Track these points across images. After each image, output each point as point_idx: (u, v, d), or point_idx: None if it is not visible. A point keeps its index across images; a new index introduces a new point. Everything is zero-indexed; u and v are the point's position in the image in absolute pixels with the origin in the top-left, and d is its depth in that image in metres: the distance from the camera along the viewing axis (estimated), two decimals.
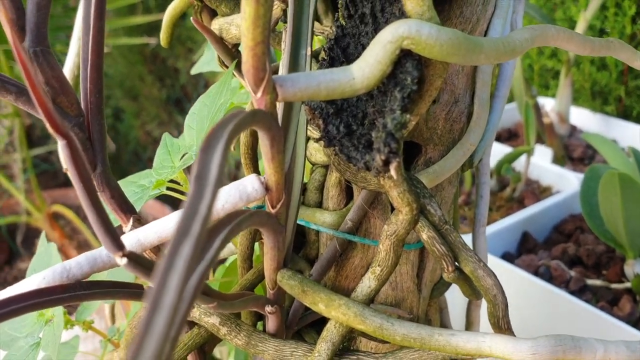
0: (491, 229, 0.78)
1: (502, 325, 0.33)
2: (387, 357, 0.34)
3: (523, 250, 0.81)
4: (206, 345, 0.40)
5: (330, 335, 0.33)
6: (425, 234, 0.32)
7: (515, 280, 0.71)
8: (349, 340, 0.40)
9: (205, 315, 0.35)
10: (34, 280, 0.29)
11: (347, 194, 0.40)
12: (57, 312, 0.38)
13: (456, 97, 0.36)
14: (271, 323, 0.35)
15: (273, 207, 0.32)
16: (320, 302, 0.33)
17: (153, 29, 2.03)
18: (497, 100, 0.42)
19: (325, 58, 0.33)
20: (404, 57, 0.27)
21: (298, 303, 0.39)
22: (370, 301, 0.33)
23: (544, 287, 0.68)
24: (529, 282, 0.69)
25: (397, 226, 0.32)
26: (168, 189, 0.39)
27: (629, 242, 0.66)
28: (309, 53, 0.31)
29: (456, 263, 0.33)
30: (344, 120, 0.31)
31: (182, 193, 0.39)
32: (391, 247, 0.32)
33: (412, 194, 0.31)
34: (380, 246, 0.33)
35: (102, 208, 0.24)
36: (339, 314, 0.32)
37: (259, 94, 0.26)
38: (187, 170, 0.39)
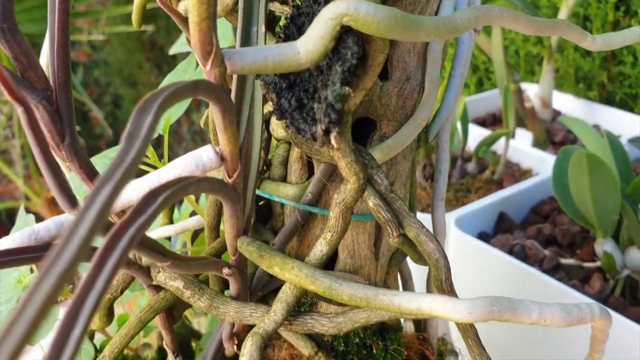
0: (468, 209, 0.80)
1: (445, 287, 0.35)
2: (338, 317, 0.36)
3: (499, 230, 0.83)
4: (175, 310, 0.42)
5: (285, 296, 0.35)
6: (372, 201, 0.34)
7: (490, 260, 0.73)
8: (310, 305, 0.42)
9: (170, 280, 0.38)
10: (5, 242, 0.32)
11: (309, 168, 0.42)
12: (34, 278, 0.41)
13: (408, 75, 0.38)
14: (233, 287, 0.38)
15: (230, 177, 0.34)
16: (276, 266, 0.35)
17: (150, 16, 2.04)
18: (454, 80, 0.44)
19: (281, 36, 0.35)
20: (345, 33, 0.29)
21: (261, 271, 0.41)
22: (322, 265, 0.35)
23: (518, 266, 0.70)
24: (503, 261, 0.71)
25: (346, 195, 0.34)
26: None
27: (598, 221, 0.68)
28: (261, 30, 0.33)
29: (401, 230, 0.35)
30: (295, 94, 0.33)
31: (150, 166, 0.41)
32: (340, 214, 0.34)
33: (359, 165, 0.33)
34: (330, 214, 0.35)
35: (58, 168, 0.26)
36: (292, 275, 0.34)
37: (208, 67, 0.28)
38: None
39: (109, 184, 0.16)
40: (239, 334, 0.42)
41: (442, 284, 0.35)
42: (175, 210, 0.62)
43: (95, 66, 2.38)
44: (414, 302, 0.33)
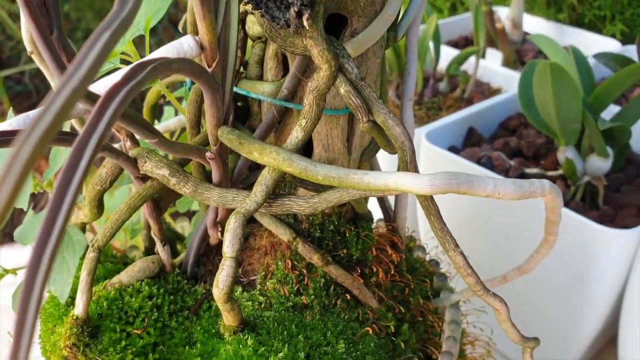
0: (438, 124, 0.84)
1: (409, 168, 0.38)
2: (313, 198, 0.39)
3: (468, 144, 0.87)
4: (161, 202, 0.45)
5: (264, 179, 0.38)
6: (343, 88, 0.37)
7: (458, 169, 0.77)
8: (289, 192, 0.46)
9: (157, 168, 0.40)
10: (1, 126, 0.34)
11: (284, 66, 0.44)
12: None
13: None
14: (215, 175, 0.41)
15: (209, 66, 0.36)
16: (255, 151, 0.38)
17: None
18: None
19: None
20: None
21: (242, 162, 0.44)
22: (298, 151, 0.38)
23: (485, 174, 0.74)
24: (471, 169, 0.75)
25: (319, 82, 0.37)
26: (122, 62, 0.43)
27: (561, 129, 0.71)
28: None
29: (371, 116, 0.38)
30: None
31: None
32: (314, 100, 0.37)
33: (331, 53, 0.36)
34: (305, 101, 0.37)
35: (51, 44, 0.28)
36: (270, 159, 0.37)
37: None
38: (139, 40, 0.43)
39: (107, 31, 0.19)
40: (222, 222, 0.45)
41: (407, 165, 0.38)
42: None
43: (66, 0, 2.33)
44: (381, 178, 0.36)
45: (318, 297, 0.45)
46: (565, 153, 0.74)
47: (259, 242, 0.48)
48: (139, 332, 0.42)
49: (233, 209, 0.43)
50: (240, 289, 0.46)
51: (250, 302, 0.45)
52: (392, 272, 0.49)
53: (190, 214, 0.64)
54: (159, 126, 0.48)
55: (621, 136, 0.72)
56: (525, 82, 0.76)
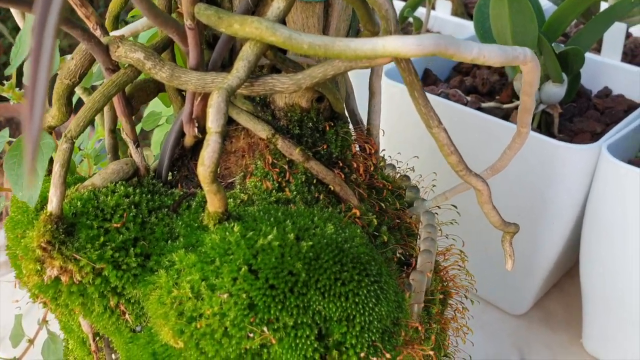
0: (392, 64, 0.84)
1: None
2: (297, 74, 0.38)
3: (425, 84, 0.88)
4: (133, 101, 0.44)
5: (246, 54, 0.37)
6: None
7: None
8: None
9: (131, 51, 0.39)
10: None
11: None
12: None
13: None
14: (192, 55, 0.39)
15: None
16: (235, 23, 0.37)
17: None
18: None
19: None
20: None
21: (217, 54, 0.43)
22: (280, 20, 0.37)
23: (445, 104, 0.75)
24: (433, 100, 0.76)
25: None
26: None
27: None
28: None
29: None
30: None
31: None
32: None
33: None
34: None
35: None
36: (252, 28, 0.36)
37: None
38: None
39: None
40: (199, 118, 0.44)
41: (390, 33, 0.38)
42: None
43: None
44: (368, 44, 0.36)
45: (300, 192, 0.44)
46: (521, 80, 0.75)
47: (235, 144, 0.46)
48: (117, 226, 0.40)
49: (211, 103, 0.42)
50: None
51: (231, 199, 0.43)
52: (371, 172, 0.49)
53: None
54: (126, 28, 0.46)
55: (575, 62, 0.74)
56: (481, 14, 0.77)
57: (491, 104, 0.82)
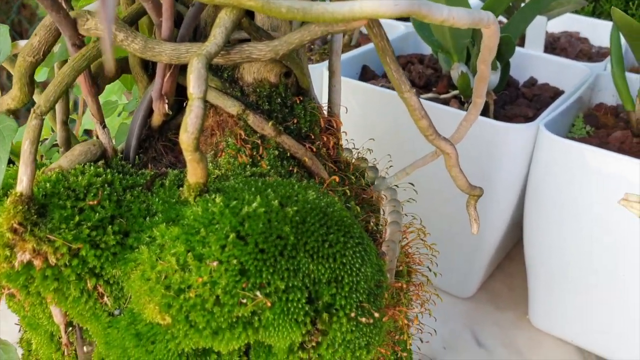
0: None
1: None
2: (274, 41, 0.39)
3: (363, 80, 0.90)
4: (99, 79, 0.42)
5: (222, 21, 0.37)
6: None
7: (362, 93, 0.80)
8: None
9: (101, 23, 0.38)
10: None
11: None
12: None
13: None
14: (165, 26, 0.39)
15: None
16: None
17: None
18: None
19: None
20: None
21: (187, 22, 0.42)
22: None
23: (388, 93, 0.77)
24: (373, 91, 0.78)
25: None
26: None
27: (454, 45, 0.76)
28: None
29: None
30: None
31: None
32: None
33: None
34: None
35: None
36: None
37: None
38: None
39: None
40: (167, 95, 0.43)
41: None
42: None
43: None
44: (346, 6, 0.36)
45: (274, 167, 0.45)
46: (458, 69, 0.79)
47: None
48: (93, 203, 0.38)
49: (178, 81, 0.41)
50: None
51: None
52: (336, 147, 0.49)
53: None
54: (93, 4, 0.45)
55: (506, 51, 0.78)
56: None
57: (429, 95, 0.85)
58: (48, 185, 0.39)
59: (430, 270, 0.56)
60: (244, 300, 0.36)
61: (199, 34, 0.45)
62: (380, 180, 0.56)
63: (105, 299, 0.39)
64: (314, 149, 0.46)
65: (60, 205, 0.38)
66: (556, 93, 0.89)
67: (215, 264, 0.36)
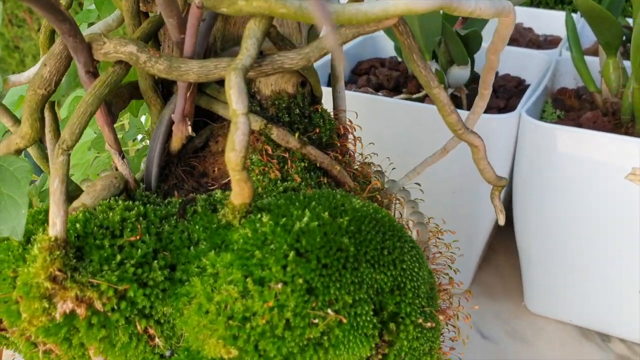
0: None
1: None
2: (304, 48, 0.37)
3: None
4: (113, 107, 0.40)
5: (252, 32, 0.35)
6: None
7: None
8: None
9: (121, 46, 0.35)
10: None
11: None
12: None
13: None
14: (188, 44, 0.36)
15: None
16: (240, 0, 0.35)
17: None
18: None
19: None
20: None
21: (202, 35, 0.40)
22: None
23: (367, 97, 0.77)
24: (352, 96, 0.77)
25: None
26: None
27: (425, 44, 0.77)
28: None
29: None
30: None
31: None
32: None
33: None
34: None
35: None
36: (261, 2, 0.34)
37: None
38: None
39: None
40: (189, 116, 0.41)
41: None
42: None
43: None
44: (378, 5, 0.36)
45: (304, 179, 0.43)
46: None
47: (222, 143, 0.44)
48: (134, 239, 0.35)
49: (195, 102, 0.39)
50: (218, 191, 0.41)
51: None
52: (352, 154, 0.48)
53: None
54: (96, 25, 0.42)
55: (474, 44, 0.80)
56: None
57: (402, 96, 0.85)
58: (78, 225, 0.36)
59: (451, 268, 0.56)
60: (315, 320, 0.34)
61: (208, 50, 0.43)
62: (390, 183, 0.55)
63: (157, 340, 0.36)
64: (340, 157, 0.45)
65: (97, 246, 0.35)
66: (519, 82, 0.91)
67: (279, 286, 0.34)
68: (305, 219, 0.36)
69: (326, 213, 0.37)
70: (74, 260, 0.34)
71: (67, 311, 0.34)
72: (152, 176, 0.41)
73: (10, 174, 0.37)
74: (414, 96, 0.85)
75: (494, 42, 0.45)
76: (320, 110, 0.46)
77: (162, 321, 0.36)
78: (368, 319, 0.36)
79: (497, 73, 0.94)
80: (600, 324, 0.78)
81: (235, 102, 0.33)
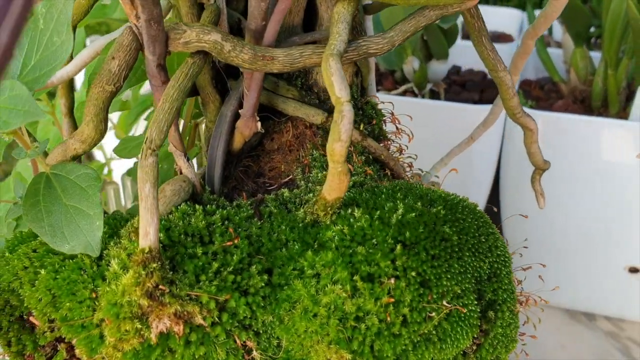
0: None
1: None
2: (388, 32, 0.36)
3: None
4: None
5: (342, 16, 0.34)
6: None
7: None
8: None
9: (204, 34, 0.32)
10: None
11: None
12: None
13: None
14: (270, 28, 0.34)
15: None
16: None
17: None
18: None
19: None
20: None
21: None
22: None
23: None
24: None
25: None
26: None
27: (408, 40, 0.77)
28: None
29: None
30: None
31: None
32: None
33: None
34: None
35: None
36: None
37: None
38: None
39: None
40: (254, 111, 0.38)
41: None
42: None
43: None
44: None
45: (373, 172, 0.41)
46: (412, 64, 0.80)
47: (278, 140, 0.41)
48: (227, 244, 0.32)
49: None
50: (285, 190, 0.39)
51: (310, 194, 0.38)
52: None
53: None
54: None
55: (452, 38, 0.81)
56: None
57: (380, 93, 0.84)
58: (161, 235, 0.32)
59: None
60: (432, 314, 0.33)
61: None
62: (423, 175, 0.55)
63: (254, 353, 0.33)
64: (397, 149, 0.44)
65: (189, 255, 0.32)
66: (484, 76, 0.93)
67: (392, 280, 0.32)
68: (400, 210, 0.34)
69: (418, 203, 0.35)
70: (171, 273, 0.31)
71: (165, 330, 0.30)
72: (215, 178, 0.38)
73: (71, 183, 0.33)
74: (393, 92, 0.85)
75: (535, 26, 0.46)
76: (370, 101, 0.44)
77: (260, 331, 0.33)
78: (473, 308, 0.35)
79: (459, 68, 0.96)
80: (584, 304, 0.81)
81: (338, 89, 0.31)
